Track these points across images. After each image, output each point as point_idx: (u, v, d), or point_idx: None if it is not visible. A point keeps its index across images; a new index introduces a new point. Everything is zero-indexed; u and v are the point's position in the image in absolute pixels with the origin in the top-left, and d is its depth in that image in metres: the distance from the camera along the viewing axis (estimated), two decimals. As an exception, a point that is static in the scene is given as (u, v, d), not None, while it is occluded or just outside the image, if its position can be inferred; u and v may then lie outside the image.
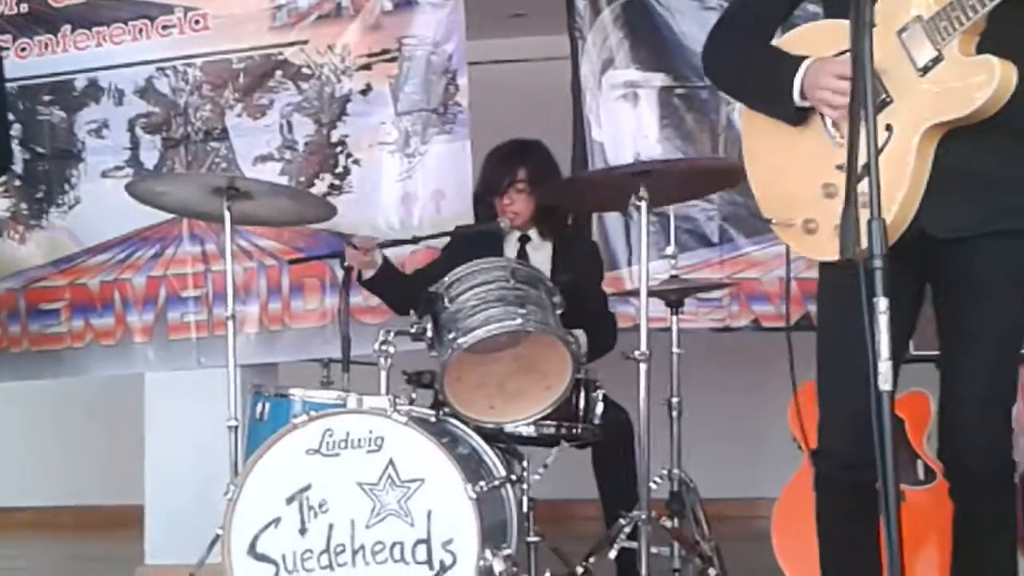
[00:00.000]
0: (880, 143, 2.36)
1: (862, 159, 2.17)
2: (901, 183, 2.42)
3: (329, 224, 4.28)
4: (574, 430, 3.67)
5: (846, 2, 2.26)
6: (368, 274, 4.08)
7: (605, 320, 4.22)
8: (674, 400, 3.99)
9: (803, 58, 2.57)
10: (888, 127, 2.44)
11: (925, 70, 2.45)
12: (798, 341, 2.82)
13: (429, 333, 3.47)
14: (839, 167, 2.46)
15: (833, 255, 2.43)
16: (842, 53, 2.44)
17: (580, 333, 3.75)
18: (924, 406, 3.79)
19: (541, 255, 4.19)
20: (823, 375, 2.68)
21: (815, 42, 2.59)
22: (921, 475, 3.76)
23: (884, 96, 2.47)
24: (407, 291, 4.11)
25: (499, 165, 4.24)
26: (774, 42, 2.72)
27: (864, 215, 2.15)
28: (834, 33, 2.48)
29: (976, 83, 2.39)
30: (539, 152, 4.28)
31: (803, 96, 2.57)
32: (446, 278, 3.48)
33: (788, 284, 3.01)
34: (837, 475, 2.65)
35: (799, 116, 2.60)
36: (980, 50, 2.43)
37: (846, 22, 2.29)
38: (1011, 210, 2.50)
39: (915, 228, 2.45)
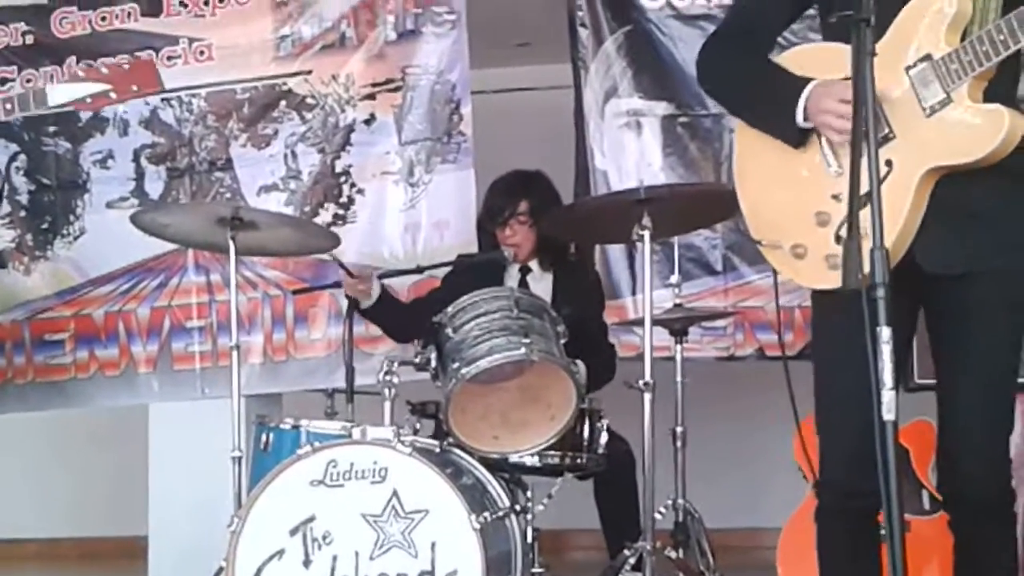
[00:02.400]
0: (879, 177, 2.36)
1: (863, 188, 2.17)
2: (896, 219, 2.42)
3: (333, 254, 4.28)
4: (578, 460, 3.66)
5: (843, 28, 2.26)
6: (366, 304, 4.08)
7: (605, 351, 4.21)
8: (678, 429, 3.98)
9: (807, 79, 2.55)
10: (888, 162, 2.44)
11: (932, 111, 2.44)
12: (803, 370, 2.81)
13: (433, 363, 3.47)
14: (835, 197, 2.47)
15: (820, 283, 2.45)
16: (848, 78, 2.44)
17: (580, 364, 3.74)
18: (929, 435, 3.75)
19: (542, 286, 4.18)
20: (822, 405, 2.66)
21: (817, 64, 2.57)
22: (926, 505, 3.75)
23: (887, 131, 2.46)
24: (407, 320, 4.11)
25: (501, 196, 4.23)
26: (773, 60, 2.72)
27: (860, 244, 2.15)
28: (837, 57, 2.47)
29: (985, 131, 2.39)
30: (541, 183, 4.27)
31: (805, 118, 2.55)
32: (450, 308, 3.47)
33: (779, 311, 3.00)
34: (839, 505, 2.64)
35: (801, 137, 2.58)
36: (987, 97, 2.42)
37: (845, 47, 2.29)
38: (1005, 248, 2.50)
39: (908, 259, 2.44)
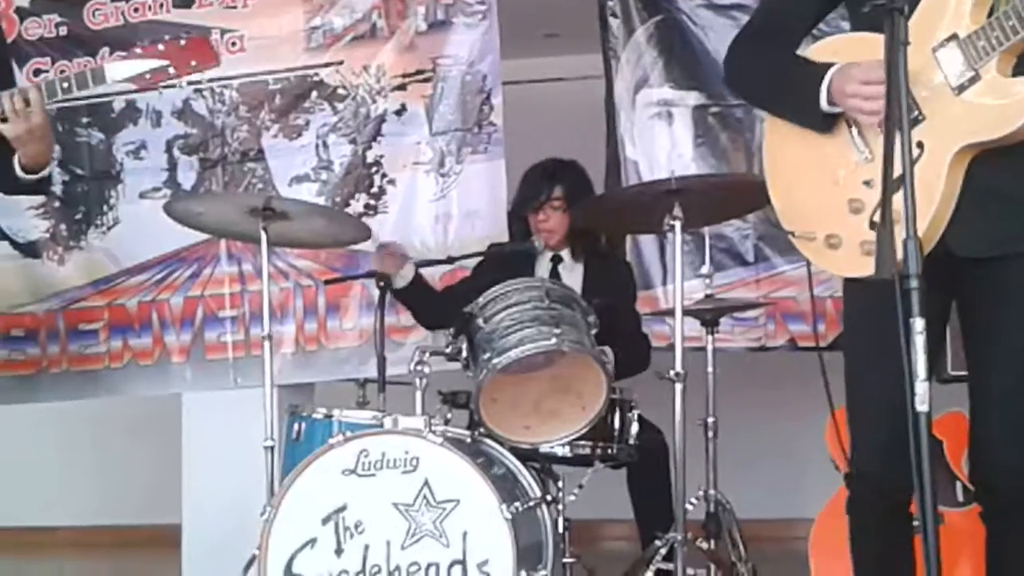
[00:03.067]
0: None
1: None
2: (931, 202, 2.40)
3: (366, 244, 4.29)
4: (609, 450, 3.66)
5: (874, 17, 2.25)
6: (400, 284, 4.10)
7: (638, 341, 4.21)
8: (710, 420, 3.98)
9: (829, 65, 2.54)
10: (919, 144, 2.42)
11: (961, 89, 2.42)
12: (836, 360, 2.80)
13: (464, 353, 3.47)
14: (866, 183, 2.46)
15: (855, 271, 2.43)
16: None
17: (607, 349, 3.75)
18: (963, 427, 3.71)
19: (573, 276, 4.19)
20: (854, 396, 2.65)
21: (843, 54, 2.56)
22: (960, 497, 3.73)
23: (916, 113, 2.45)
24: (438, 308, 4.13)
25: (536, 182, 4.25)
26: (803, 53, 2.71)
27: (896, 231, 2.13)
28: (866, 47, 2.45)
29: (1016, 105, 2.37)
30: (576, 171, 4.29)
31: (831, 103, 2.54)
32: (480, 298, 3.48)
33: (813, 301, 2.99)
34: (871, 498, 2.63)
35: (826, 123, 2.57)
36: (1016, 72, 2.41)
37: (878, 36, 2.28)
38: None
39: (940, 246, 2.43)
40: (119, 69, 3.19)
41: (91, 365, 4.96)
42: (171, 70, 3.17)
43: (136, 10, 4.91)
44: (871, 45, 2.38)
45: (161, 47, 3.17)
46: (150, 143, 4.94)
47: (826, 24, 2.92)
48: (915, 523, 2.29)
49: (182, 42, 3.20)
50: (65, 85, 3.17)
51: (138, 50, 3.22)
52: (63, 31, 4.96)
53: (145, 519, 6.29)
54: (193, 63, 3.19)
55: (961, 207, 2.43)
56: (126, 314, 4.92)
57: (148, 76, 3.18)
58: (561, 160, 4.31)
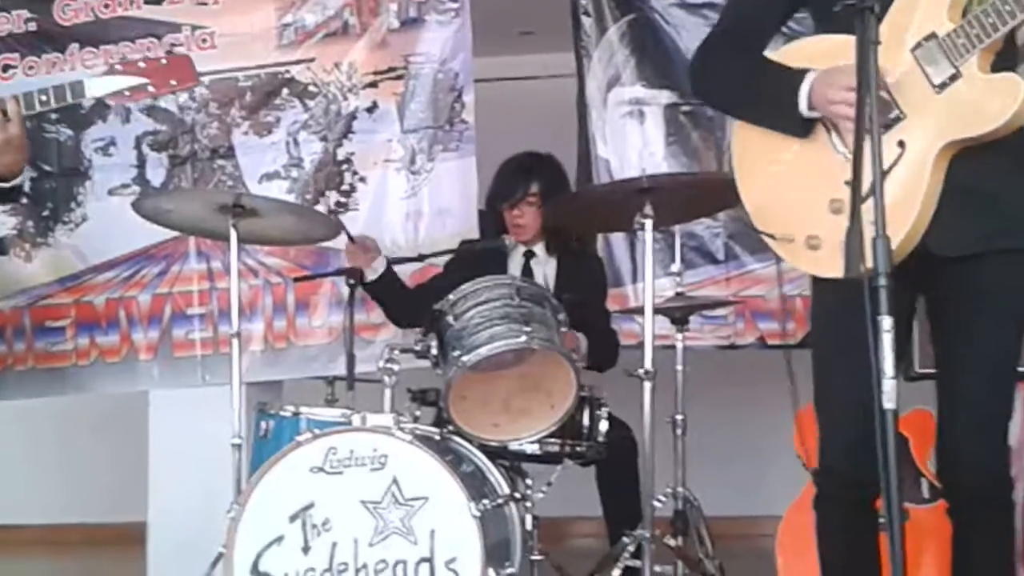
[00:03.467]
0: (893, 159, 2.37)
1: (868, 176, 2.16)
2: (914, 200, 2.42)
3: (335, 242, 4.28)
4: (578, 448, 3.66)
5: (842, 18, 2.26)
6: (371, 276, 4.09)
7: (607, 338, 4.21)
8: (678, 418, 3.99)
9: (805, 70, 2.55)
10: (901, 143, 2.43)
11: (942, 87, 2.44)
12: (805, 358, 2.81)
13: (434, 351, 3.47)
14: (847, 183, 2.46)
15: (838, 272, 2.42)
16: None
17: (580, 336, 3.76)
18: (928, 424, 3.74)
19: (546, 270, 4.20)
20: (822, 393, 2.67)
21: (814, 57, 2.57)
22: (925, 493, 3.75)
23: (897, 112, 2.46)
24: (409, 303, 4.13)
25: (513, 176, 4.24)
26: (773, 56, 2.71)
27: (869, 232, 2.14)
28: (837, 48, 2.47)
29: (1000, 100, 2.38)
30: (552, 166, 4.28)
31: (811, 108, 2.55)
32: (451, 295, 3.48)
33: (783, 299, 3.00)
34: (838, 493, 2.64)
35: (805, 128, 2.58)
36: (995, 68, 2.42)
37: (848, 38, 2.29)
38: (1012, 229, 2.50)
39: (918, 245, 2.44)
40: (99, 85, 3.23)
41: (58, 362, 4.93)
42: (150, 88, 3.21)
43: (106, 6, 4.88)
44: (843, 47, 2.39)
45: (142, 64, 3.24)
46: (119, 140, 4.91)
47: (797, 23, 2.95)
48: (881, 520, 2.30)
49: (163, 60, 3.26)
50: (44, 98, 3.20)
51: (119, 67, 3.24)
52: (32, 27, 4.93)
53: (112, 517, 6.24)
54: (173, 82, 3.25)
55: (939, 206, 2.44)
56: (93, 311, 4.89)
57: (127, 93, 3.21)
58: (538, 154, 4.30)
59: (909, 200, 2.41)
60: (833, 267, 2.49)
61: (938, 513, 2.68)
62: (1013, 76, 2.40)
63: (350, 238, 4.09)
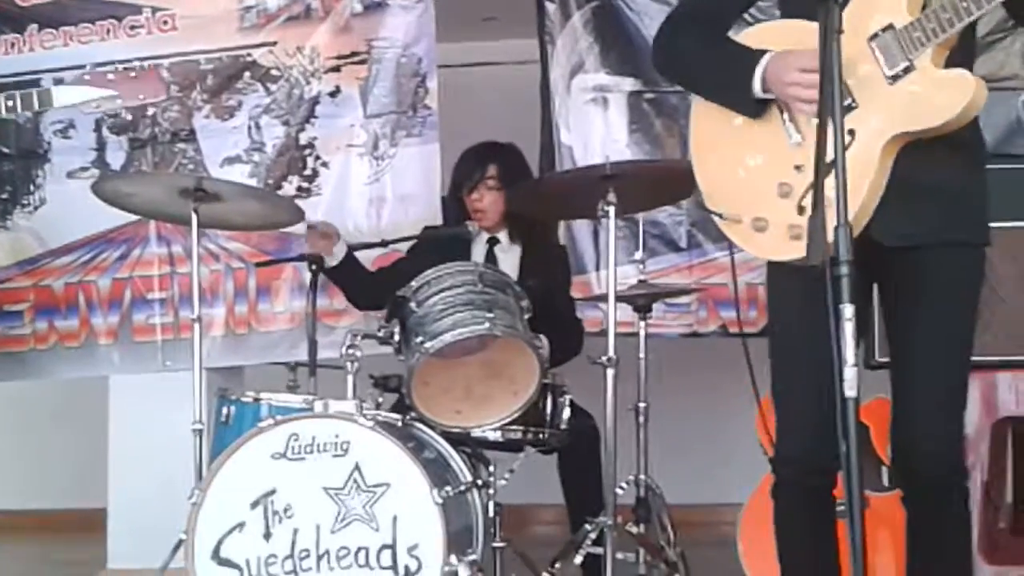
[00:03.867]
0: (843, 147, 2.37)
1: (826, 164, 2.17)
2: (859, 189, 2.42)
3: (297, 228, 4.25)
4: (541, 435, 3.66)
5: (807, 4, 2.27)
6: (331, 262, 4.08)
7: (572, 325, 4.21)
8: (641, 406, 3.99)
9: (764, 51, 2.55)
10: (851, 132, 2.44)
11: (895, 78, 2.45)
12: (759, 347, 2.82)
13: (396, 337, 3.46)
14: (797, 167, 2.47)
15: (782, 255, 2.45)
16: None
17: (542, 336, 3.75)
18: (888, 413, 3.79)
19: (510, 258, 4.19)
20: (779, 381, 2.67)
21: (776, 41, 2.57)
22: (885, 481, 3.77)
23: (850, 101, 2.47)
24: (371, 288, 4.12)
25: (471, 161, 4.24)
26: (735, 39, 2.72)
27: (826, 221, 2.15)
28: (798, 34, 2.48)
29: (949, 96, 2.40)
30: (512, 152, 4.28)
31: (765, 90, 2.55)
32: (414, 282, 3.47)
33: (736, 287, 3.00)
34: (796, 481, 2.65)
35: (757, 108, 2.58)
36: (949, 64, 2.44)
37: (810, 24, 2.30)
38: (958, 222, 2.52)
39: (864, 234, 2.45)
40: (67, 94, 3.25)
41: (16, 347, 4.89)
42: (118, 100, 3.20)
43: (67, -13, 4.83)
44: (803, 33, 2.40)
45: (111, 77, 3.24)
46: (78, 122, 4.84)
47: (760, 12, 2.95)
48: (840, 507, 2.31)
49: (132, 74, 3.22)
50: (10, 103, 3.19)
51: (87, 77, 3.23)
52: (-10, 8, 4.88)
53: (71, 503, 6.21)
54: (141, 96, 3.25)
55: (886, 197, 2.46)
56: (52, 295, 4.85)
57: (96, 105, 3.21)
58: (497, 143, 4.30)
59: (854, 189, 2.39)
60: (779, 250, 2.51)
61: (897, 501, 2.70)
62: (964, 73, 2.41)
63: (312, 226, 4.07)
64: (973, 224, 2.56)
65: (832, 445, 2.11)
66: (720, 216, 2.64)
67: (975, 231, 2.57)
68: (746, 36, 2.66)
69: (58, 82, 4.82)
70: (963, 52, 2.49)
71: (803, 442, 2.58)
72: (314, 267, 4.00)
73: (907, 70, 2.44)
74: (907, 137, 2.45)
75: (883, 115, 2.45)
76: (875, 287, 2.66)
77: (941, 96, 2.41)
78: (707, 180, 2.71)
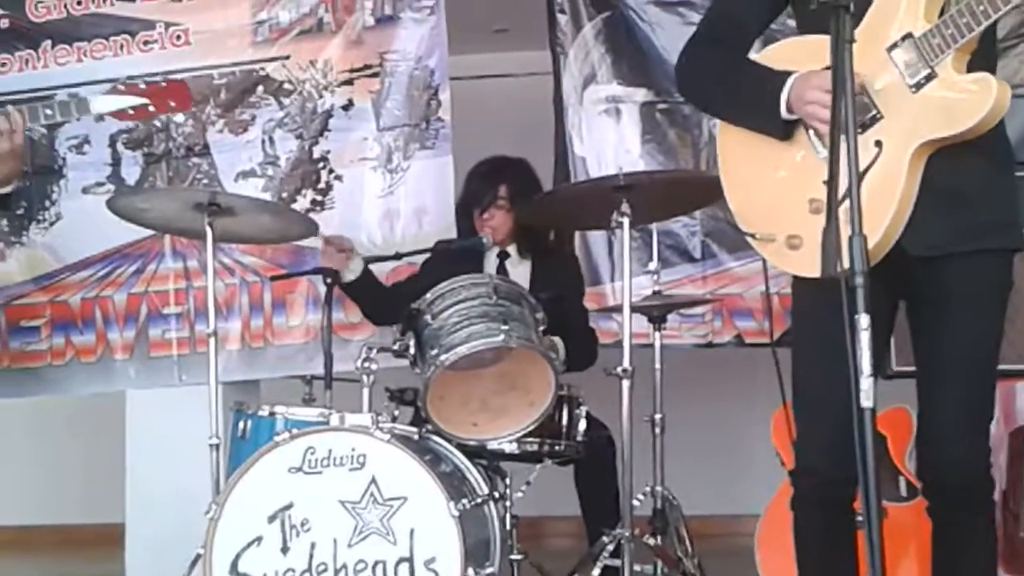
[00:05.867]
0: (870, 159, 2.38)
1: (844, 175, 2.17)
2: (891, 201, 2.43)
3: (312, 241, 4.26)
4: (557, 447, 3.66)
5: (822, 18, 2.27)
6: (348, 277, 4.08)
7: (586, 336, 4.22)
8: (657, 416, 3.99)
9: (788, 73, 2.56)
10: (878, 143, 2.45)
11: (918, 87, 2.45)
12: (783, 356, 2.81)
13: (412, 350, 3.46)
14: (827, 182, 2.47)
15: (817, 272, 2.43)
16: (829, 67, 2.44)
17: (557, 340, 3.76)
18: (906, 422, 3.78)
19: (520, 271, 4.19)
20: (800, 393, 2.67)
21: (796, 57, 2.59)
22: (903, 492, 3.76)
23: (874, 112, 2.48)
24: (387, 303, 4.12)
25: (481, 181, 4.25)
26: (753, 57, 2.72)
27: (846, 231, 2.15)
28: (816, 48, 2.48)
29: (973, 100, 2.40)
30: (521, 169, 4.28)
31: (789, 110, 2.56)
32: (428, 295, 3.47)
33: (768, 299, 3.00)
34: (816, 494, 2.65)
35: (786, 131, 2.59)
36: (970, 68, 2.44)
37: (826, 38, 2.29)
38: (987, 229, 2.52)
39: (895, 245, 2.45)
40: (104, 103, 3.40)
41: (33, 362, 4.90)
42: (151, 108, 3.38)
43: (79, 3, 4.85)
44: (822, 48, 2.39)
45: (143, 86, 3.39)
46: (93, 137, 4.88)
47: (781, 27, 2.95)
48: (858, 518, 2.30)
49: (163, 84, 3.43)
50: (48, 112, 3.32)
51: (121, 87, 3.40)
52: (4, 24, 4.90)
53: (88, 518, 6.22)
54: (172, 103, 3.45)
55: (914, 206, 2.45)
56: (69, 311, 4.86)
57: (131, 111, 3.39)
58: (507, 158, 4.30)
59: (885, 200, 2.42)
60: (813, 267, 2.48)
61: (916, 511, 2.70)
62: (987, 76, 2.42)
63: (326, 240, 4.07)
64: (1004, 229, 2.56)
65: (852, 457, 2.10)
66: (753, 237, 2.64)
67: (1005, 237, 2.57)
68: (766, 55, 2.67)
69: (73, 96, 4.85)
70: (985, 56, 2.49)
71: (823, 454, 2.57)
72: (329, 281, 4.00)
73: (929, 77, 2.44)
74: (934, 145, 2.45)
75: (909, 124, 2.45)
76: (902, 303, 2.65)
77: (965, 101, 2.41)
78: (738, 201, 2.71)
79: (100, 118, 4.78)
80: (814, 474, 2.63)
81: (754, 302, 4.52)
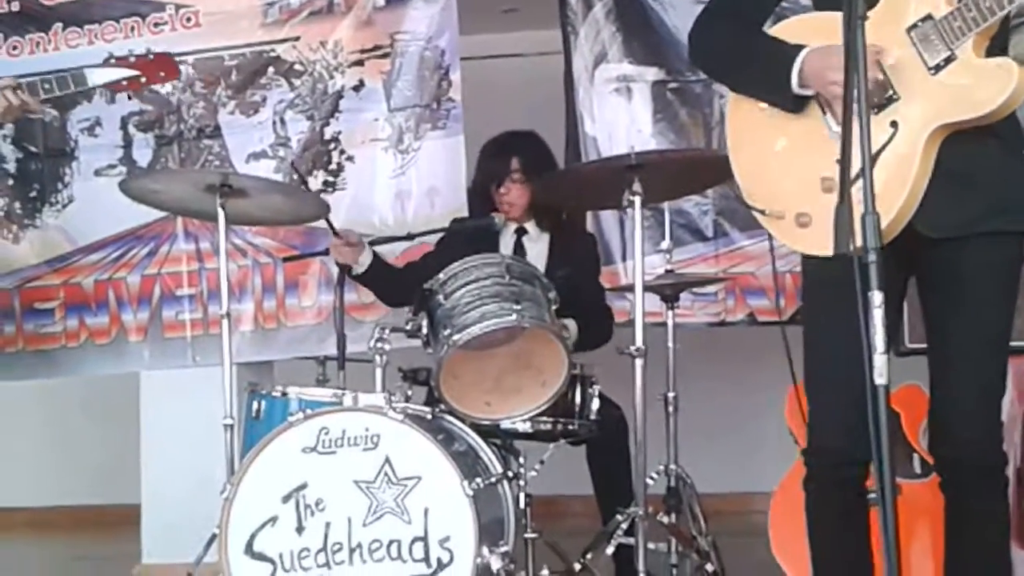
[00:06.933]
0: (884, 139, 2.37)
1: (857, 154, 2.16)
2: (905, 181, 2.42)
3: (324, 222, 4.26)
4: (570, 426, 3.66)
5: None
6: (358, 269, 4.08)
7: (601, 312, 4.21)
8: (670, 395, 3.99)
9: (801, 46, 2.55)
10: (893, 124, 2.44)
11: (937, 69, 2.44)
12: (795, 335, 2.81)
13: (424, 330, 3.46)
14: (838, 161, 2.46)
15: (826, 250, 2.43)
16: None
17: (570, 322, 3.75)
18: (919, 399, 3.76)
19: (538, 248, 4.18)
20: (813, 371, 2.67)
21: (809, 33, 2.58)
22: (917, 469, 3.76)
23: (891, 92, 2.47)
24: (399, 285, 4.11)
25: (493, 157, 4.23)
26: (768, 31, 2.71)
27: (859, 210, 2.14)
28: (822, 26, 2.48)
29: (993, 85, 2.39)
30: (532, 141, 4.27)
31: (802, 84, 2.55)
32: (441, 274, 3.47)
33: (777, 277, 2.99)
34: (829, 473, 2.65)
35: (797, 104, 2.58)
36: (989, 53, 2.43)
37: (836, 15, 2.29)
38: (999, 211, 2.51)
39: (906, 226, 2.45)
40: (98, 75, 3.57)
41: (47, 344, 4.92)
42: (142, 79, 3.59)
43: (91, -15, 4.85)
44: (835, 25, 2.37)
45: (133, 60, 3.59)
46: (105, 120, 4.89)
47: (791, 3, 2.94)
48: (871, 496, 2.31)
49: (151, 57, 3.63)
50: (47, 86, 3.50)
51: (113, 61, 3.58)
52: (15, 7, 4.91)
53: (104, 499, 6.25)
54: (161, 73, 3.66)
55: (928, 188, 2.45)
56: (82, 293, 4.88)
57: (124, 83, 3.60)
58: (516, 132, 4.29)
59: (899, 181, 2.41)
60: (822, 245, 2.48)
61: (930, 488, 2.69)
62: (1008, 61, 2.40)
63: (335, 233, 4.06)
64: (1016, 211, 2.55)
65: (865, 434, 2.10)
66: (762, 212, 2.63)
67: (1018, 218, 2.56)
68: (779, 29, 2.66)
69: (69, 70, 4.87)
70: (1000, 39, 2.47)
71: (836, 433, 2.58)
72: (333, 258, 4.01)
73: (948, 60, 2.43)
74: (950, 128, 2.44)
75: (926, 106, 2.44)
76: (911, 280, 2.65)
77: (985, 85, 2.40)
78: (745, 176, 2.70)
79: (111, 100, 4.85)
80: (827, 453, 2.64)
81: (767, 280, 4.51)
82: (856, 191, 2.16)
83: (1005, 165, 2.53)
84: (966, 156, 2.45)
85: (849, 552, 2.65)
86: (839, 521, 2.66)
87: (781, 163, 2.62)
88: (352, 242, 4.10)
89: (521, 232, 4.22)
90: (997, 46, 2.45)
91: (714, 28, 2.76)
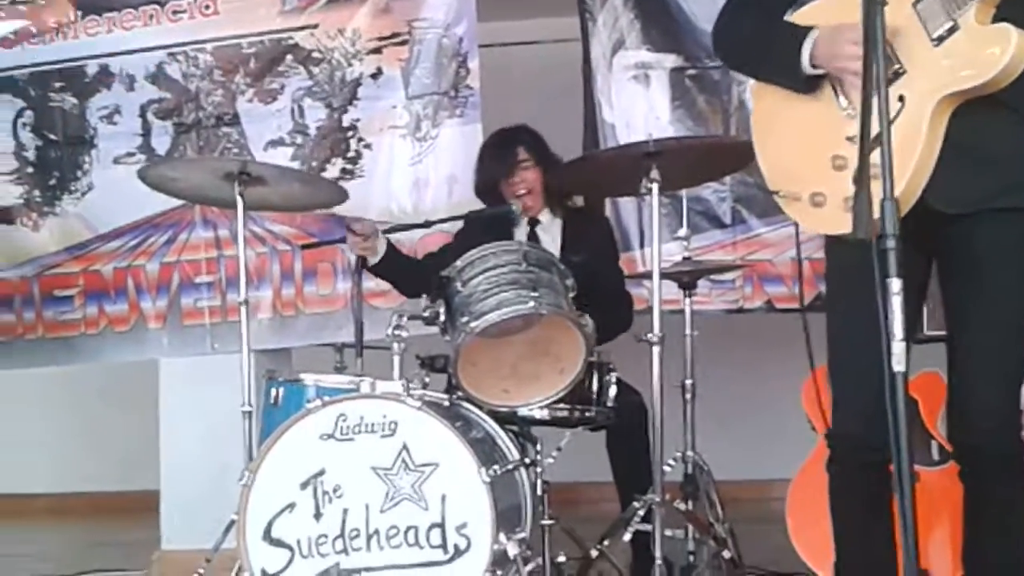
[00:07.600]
0: (894, 114, 2.36)
1: (874, 133, 2.16)
2: (912, 154, 2.41)
3: (341, 209, 4.27)
4: (588, 413, 3.67)
5: None
6: (372, 261, 4.08)
7: (620, 298, 4.20)
8: (688, 382, 3.99)
9: (810, 28, 2.56)
10: (901, 98, 2.44)
11: (940, 40, 2.44)
12: (813, 322, 2.81)
13: (442, 317, 3.46)
14: (850, 139, 2.46)
15: (839, 229, 2.42)
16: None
17: (587, 318, 3.75)
18: (938, 386, 3.74)
19: (551, 235, 4.18)
20: (835, 356, 2.67)
21: (826, 18, 2.58)
22: (935, 456, 3.75)
23: (897, 67, 2.47)
24: (417, 276, 4.10)
25: (496, 152, 4.22)
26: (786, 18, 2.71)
27: (875, 189, 2.13)
28: (846, 8, 2.46)
29: (993, 51, 2.38)
30: (528, 131, 4.26)
31: (814, 65, 2.56)
32: (458, 262, 3.47)
33: (800, 264, 2.99)
34: (851, 456, 2.65)
35: (809, 85, 2.59)
36: (1002, 19, 2.42)
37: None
38: (1015, 187, 2.49)
39: (919, 203, 2.43)
40: None
41: (67, 332, 4.94)
42: (32, 28, 3.28)
43: (109, -26, 4.86)
44: (852, 8, 2.37)
45: (22, 8, 3.28)
46: (124, 108, 4.90)
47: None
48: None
49: (41, 2, 3.31)
50: None
51: (2, 14, 3.32)
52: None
53: (123, 485, 6.29)
54: (52, 22, 3.33)
55: (940, 163, 2.44)
56: (101, 280, 4.90)
57: (13, 36, 3.31)
58: (510, 127, 4.27)
59: (906, 155, 2.40)
60: (836, 224, 2.50)
61: (948, 475, 2.69)
62: (1006, 26, 2.39)
63: (351, 230, 4.05)
64: None
65: (884, 423, 2.10)
66: (779, 195, 2.63)
67: None
68: (797, 15, 2.66)
69: (103, 67, 4.88)
70: (1018, 8, 2.45)
71: (858, 417, 2.57)
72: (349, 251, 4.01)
73: (951, 30, 2.43)
74: (957, 98, 2.43)
75: (930, 78, 2.44)
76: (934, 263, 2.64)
77: (984, 51, 2.39)
78: (768, 161, 2.71)
79: (130, 87, 4.87)
80: (849, 437, 2.64)
81: (784, 267, 4.51)
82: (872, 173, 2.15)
83: (1020, 140, 2.51)
84: (980, 130, 2.44)
85: (871, 534, 2.65)
86: (862, 504, 2.66)
87: (796, 144, 2.63)
88: (366, 234, 4.10)
89: (534, 223, 4.21)
90: (1012, 12, 2.41)
91: (737, 20, 2.79)
